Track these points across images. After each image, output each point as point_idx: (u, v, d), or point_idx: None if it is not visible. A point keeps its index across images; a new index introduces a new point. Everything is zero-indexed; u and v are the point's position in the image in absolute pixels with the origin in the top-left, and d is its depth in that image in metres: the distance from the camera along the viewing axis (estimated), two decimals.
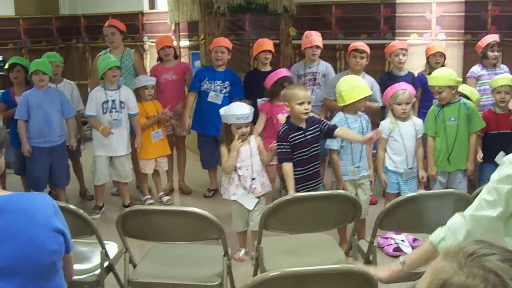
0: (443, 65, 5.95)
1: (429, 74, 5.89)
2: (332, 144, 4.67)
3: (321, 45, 6.24)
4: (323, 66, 6.36)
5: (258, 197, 4.68)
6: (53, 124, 5.71)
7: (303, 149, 4.47)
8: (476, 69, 6.16)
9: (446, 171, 5.05)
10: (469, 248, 1.23)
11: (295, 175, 4.47)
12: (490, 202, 2.33)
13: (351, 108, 4.70)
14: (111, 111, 5.75)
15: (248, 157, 4.65)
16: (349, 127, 4.62)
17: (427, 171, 5.03)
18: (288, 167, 4.43)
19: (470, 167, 5.06)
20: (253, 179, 4.65)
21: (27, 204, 2.25)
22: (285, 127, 4.50)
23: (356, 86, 4.67)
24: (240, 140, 4.58)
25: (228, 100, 6.13)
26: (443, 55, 6.14)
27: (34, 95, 5.66)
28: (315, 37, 6.23)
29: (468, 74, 6.19)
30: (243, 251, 4.83)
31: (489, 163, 5.08)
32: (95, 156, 5.92)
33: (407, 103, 4.85)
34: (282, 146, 4.46)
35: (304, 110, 4.42)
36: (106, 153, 5.87)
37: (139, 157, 6.21)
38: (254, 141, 4.71)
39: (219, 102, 6.12)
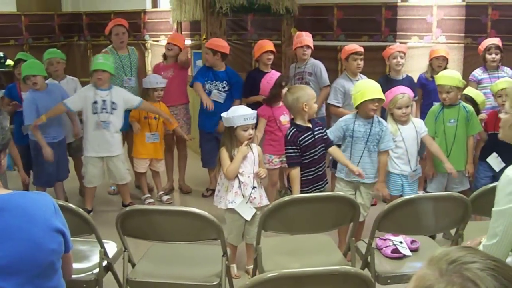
0: (445, 69, 5.99)
1: (431, 76, 5.95)
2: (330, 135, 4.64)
3: (311, 45, 6.29)
4: (310, 65, 6.35)
5: (256, 209, 4.39)
6: (58, 120, 5.73)
7: (314, 149, 4.46)
8: (477, 73, 6.16)
9: (445, 172, 5.08)
10: (452, 255, 1.25)
11: (308, 176, 4.47)
12: None
13: (361, 112, 4.63)
14: (101, 112, 5.64)
15: (251, 163, 4.40)
16: (353, 130, 4.59)
17: (425, 171, 5.07)
18: (296, 171, 4.40)
19: (470, 169, 5.12)
20: (254, 187, 4.39)
21: (27, 204, 2.26)
22: (294, 130, 4.43)
23: (361, 90, 4.61)
24: (246, 144, 4.38)
25: (230, 99, 6.17)
26: (446, 59, 6.12)
27: (40, 100, 5.59)
28: (305, 37, 6.29)
29: (470, 78, 6.18)
30: (235, 267, 4.57)
31: (484, 161, 5.14)
32: (86, 157, 5.84)
33: (407, 107, 4.86)
34: (291, 150, 4.40)
35: (316, 109, 4.49)
36: (96, 154, 5.76)
37: (132, 154, 6.27)
38: (256, 149, 4.52)
39: (221, 101, 6.15)
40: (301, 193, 4.38)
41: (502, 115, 2.79)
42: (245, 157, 4.37)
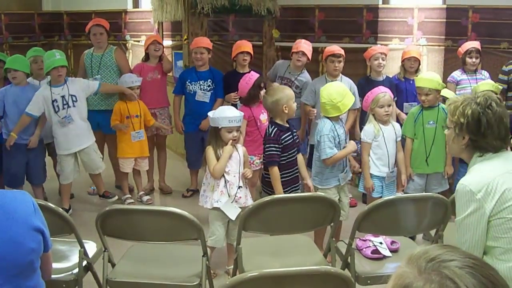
0: (417, 70, 6.10)
1: (403, 77, 6.03)
2: (331, 151, 4.54)
3: (307, 53, 6.19)
4: (301, 79, 6.30)
5: (241, 209, 4.26)
6: (31, 122, 5.66)
7: (291, 150, 4.49)
8: (456, 74, 6.23)
9: (424, 173, 5.13)
10: (431, 253, 1.26)
11: (286, 177, 4.48)
12: None
13: (338, 116, 4.64)
14: (63, 108, 5.61)
15: (237, 163, 4.40)
16: (337, 134, 4.57)
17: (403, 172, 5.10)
18: (276, 170, 4.41)
19: (449, 170, 5.15)
20: (239, 187, 4.39)
21: (6, 202, 2.24)
22: (275, 129, 4.44)
23: (347, 93, 4.62)
24: (231, 144, 4.38)
25: (214, 98, 6.19)
26: (417, 60, 6.19)
27: (11, 93, 5.63)
28: (303, 44, 6.23)
29: (448, 79, 6.24)
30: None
31: (465, 163, 5.18)
32: (59, 155, 5.84)
33: (389, 105, 4.89)
34: (273, 148, 4.40)
35: (295, 108, 4.54)
36: (68, 151, 5.77)
37: (118, 155, 6.22)
38: (241, 149, 4.52)
39: (207, 100, 6.18)
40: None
41: (445, 131, 2.84)
42: (230, 156, 4.37)
